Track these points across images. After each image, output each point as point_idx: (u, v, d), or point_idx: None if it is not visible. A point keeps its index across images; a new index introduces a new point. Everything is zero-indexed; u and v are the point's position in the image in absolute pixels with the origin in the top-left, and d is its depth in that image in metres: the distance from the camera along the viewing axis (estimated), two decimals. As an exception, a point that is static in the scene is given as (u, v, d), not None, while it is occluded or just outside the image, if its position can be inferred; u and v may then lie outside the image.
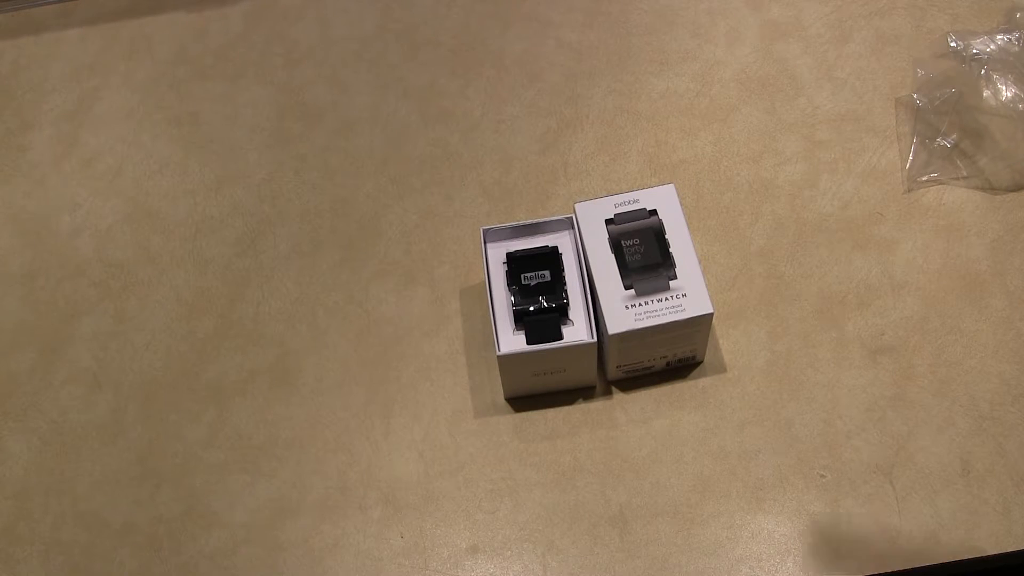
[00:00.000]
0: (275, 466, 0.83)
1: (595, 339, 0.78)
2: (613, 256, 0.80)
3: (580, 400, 0.84)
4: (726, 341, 0.85)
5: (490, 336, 0.87)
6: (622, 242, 0.81)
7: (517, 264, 0.82)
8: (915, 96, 0.93)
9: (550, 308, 0.80)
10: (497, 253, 0.83)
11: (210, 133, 1.00)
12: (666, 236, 0.81)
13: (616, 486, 0.80)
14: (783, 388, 0.83)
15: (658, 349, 0.81)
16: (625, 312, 0.78)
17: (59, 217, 0.97)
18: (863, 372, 0.83)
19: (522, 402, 0.84)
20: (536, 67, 1.01)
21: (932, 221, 0.89)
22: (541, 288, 0.81)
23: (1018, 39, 0.90)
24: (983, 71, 0.89)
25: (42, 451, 0.85)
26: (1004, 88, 0.89)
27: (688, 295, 0.78)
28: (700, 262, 0.83)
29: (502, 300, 0.81)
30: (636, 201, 0.82)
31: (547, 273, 0.81)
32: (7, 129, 1.03)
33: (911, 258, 0.88)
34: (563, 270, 0.82)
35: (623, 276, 0.79)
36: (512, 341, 0.80)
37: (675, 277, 0.79)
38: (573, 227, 0.83)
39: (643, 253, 0.80)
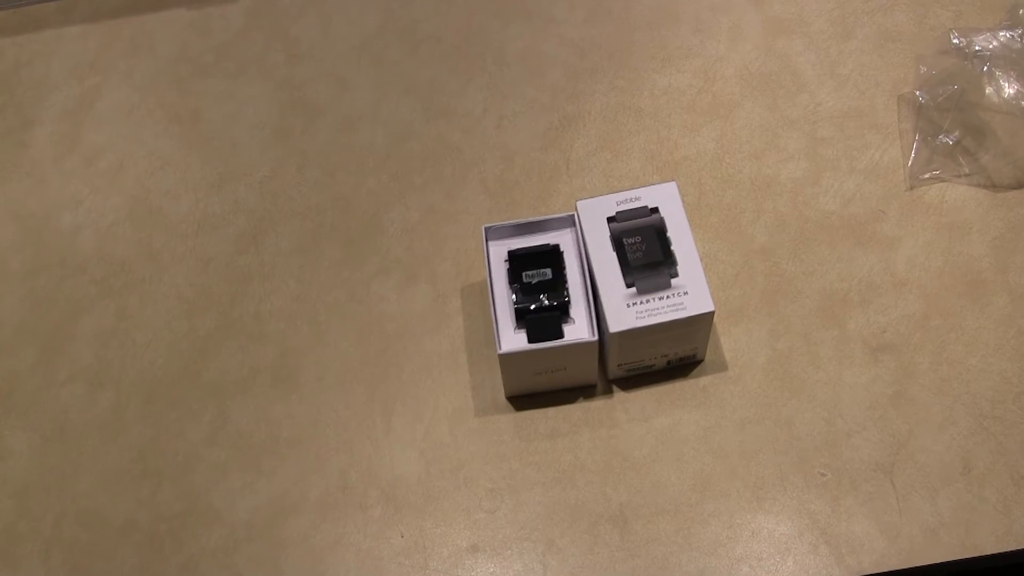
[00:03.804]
0: (276, 464, 0.83)
1: (596, 337, 0.78)
2: (615, 254, 0.80)
3: (581, 399, 0.84)
4: (727, 339, 0.85)
5: (491, 334, 0.87)
6: (624, 240, 0.80)
7: (518, 262, 0.82)
8: (917, 93, 0.93)
9: (551, 306, 0.80)
10: (498, 251, 0.83)
11: (211, 130, 1.00)
12: (668, 234, 0.81)
13: (616, 485, 0.80)
14: (784, 386, 0.83)
15: (659, 347, 0.80)
16: (626, 310, 0.78)
17: (60, 214, 0.97)
18: (864, 370, 0.83)
19: (523, 400, 0.84)
20: (538, 64, 1.01)
21: (934, 218, 0.89)
22: (542, 286, 0.81)
23: (1021, 36, 0.90)
24: (986, 68, 0.89)
25: (43, 449, 0.86)
26: (1007, 85, 0.89)
27: (689, 293, 0.78)
28: (702, 260, 0.83)
29: (503, 298, 0.81)
30: (638, 199, 0.82)
31: (548, 271, 0.81)
32: (8, 126, 1.03)
33: (913, 256, 0.88)
34: (564, 268, 0.82)
35: (624, 274, 0.79)
36: (513, 339, 0.80)
37: (676, 275, 0.79)
38: (575, 225, 0.83)
39: (645, 251, 0.80)
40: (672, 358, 0.83)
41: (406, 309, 0.89)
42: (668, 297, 0.78)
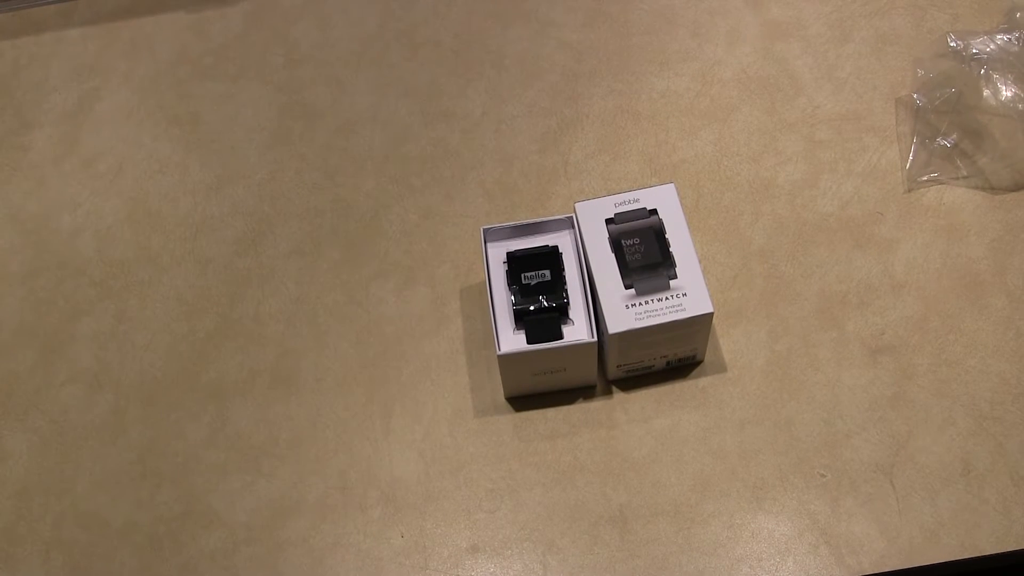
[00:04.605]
0: (275, 466, 0.83)
1: (595, 338, 0.78)
2: (613, 255, 0.80)
3: (580, 400, 0.84)
4: (726, 341, 0.85)
5: (490, 335, 0.87)
6: (622, 241, 0.81)
7: (517, 263, 0.82)
8: (915, 96, 0.93)
9: (550, 307, 0.80)
10: (497, 252, 0.83)
11: (210, 133, 1.00)
12: (666, 235, 0.81)
13: (616, 485, 0.80)
14: (783, 388, 0.83)
15: (658, 348, 0.81)
16: (625, 311, 0.78)
17: (59, 217, 0.97)
18: (863, 372, 0.83)
19: (522, 401, 0.84)
20: (536, 67, 1.01)
21: (932, 221, 0.89)
22: (541, 287, 0.81)
23: (1018, 39, 0.90)
24: (983, 71, 0.89)
25: (43, 451, 0.85)
26: (1004, 88, 0.89)
27: (688, 294, 0.78)
28: (700, 261, 0.83)
29: (502, 299, 0.81)
30: (636, 200, 0.83)
31: (547, 272, 0.81)
32: (8, 129, 1.03)
33: (911, 258, 0.88)
34: (563, 269, 0.82)
35: (623, 275, 0.79)
36: (512, 340, 0.80)
37: (675, 276, 0.79)
38: (573, 226, 0.83)
39: (643, 252, 0.80)
40: (671, 359, 0.83)
41: (405, 311, 0.89)
42: (667, 298, 0.78)
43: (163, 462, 0.84)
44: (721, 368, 0.84)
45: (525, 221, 0.83)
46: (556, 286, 0.81)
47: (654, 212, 0.82)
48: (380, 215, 0.94)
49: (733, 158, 0.94)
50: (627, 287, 0.79)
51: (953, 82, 0.91)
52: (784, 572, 0.76)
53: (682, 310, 0.78)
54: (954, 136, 0.91)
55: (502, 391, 0.84)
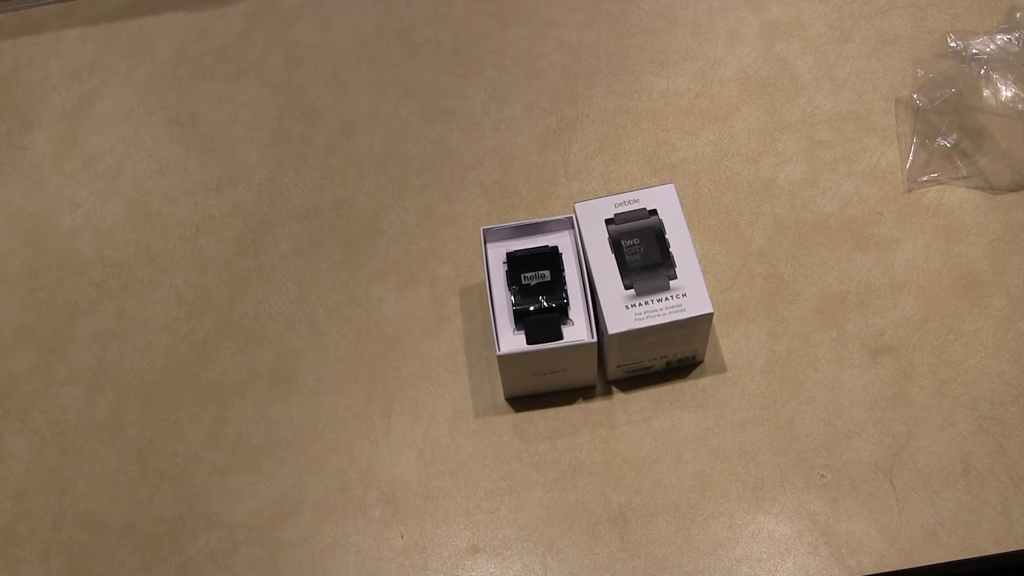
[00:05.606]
0: (275, 466, 0.83)
1: (595, 339, 0.78)
2: (613, 256, 0.80)
3: (580, 400, 0.84)
4: (726, 341, 0.85)
5: (490, 336, 0.87)
6: (622, 242, 0.81)
7: (517, 264, 0.82)
8: (915, 96, 0.93)
9: (550, 308, 0.80)
10: (497, 253, 0.83)
11: (210, 133, 1.00)
12: (666, 236, 0.81)
13: (616, 486, 0.80)
14: (783, 388, 0.83)
15: (658, 349, 0.81)
16: (625, 312, 0.78)
17: (59, 217, 0.97)
18: (863, 372, 0.83)
19: (522, 402, 0.84)
20: (536, 67, 1.01)
21: (932, 221, 0.89)
22: (541, 288, 0.81)
23: (1018, 39, 0.90)
24: (983, 71, 0.89)
25: (42, 451, 0.85)
26: (1004, 88, 0.89)
27: (688, 295, 0.78)
28: (700, 262, 0.83)
29: (502, 300, 0.81)
30: (636, 201, 0.82)
31: (547, 273, 0.81)
32: (7, 129, 1.03)
33: (911, 258, 0.88)
34: (563, 270, 0.82)
35: (623, 276, 0.79)
36: (512, 341, 0.80)
37: (675, 277, 0.79)
38: (573, 227, 0.83)
39: (643, 253, 0.80)
40: (671, 359, 0.83)
41: (405, 311, 0.89)
42: (667, 299, 0.78)
43: (163, 462, 0.84)
44: (721, 368, 0.84)
45: (525, 221, 0.83)
46: (556, 286, 0.81)
47: (654, 212, 0.82)
48: (380, 215, 0.94)
49: (733, 158, 0.94)
50: (627, 287, 0.79)
51: (953, 82, 0.91)
52: (784, 572, 0.76)
53: (682, 310, 0.78)
54: (954, 136, 0.91)
55: (502, 391, 0.84)
